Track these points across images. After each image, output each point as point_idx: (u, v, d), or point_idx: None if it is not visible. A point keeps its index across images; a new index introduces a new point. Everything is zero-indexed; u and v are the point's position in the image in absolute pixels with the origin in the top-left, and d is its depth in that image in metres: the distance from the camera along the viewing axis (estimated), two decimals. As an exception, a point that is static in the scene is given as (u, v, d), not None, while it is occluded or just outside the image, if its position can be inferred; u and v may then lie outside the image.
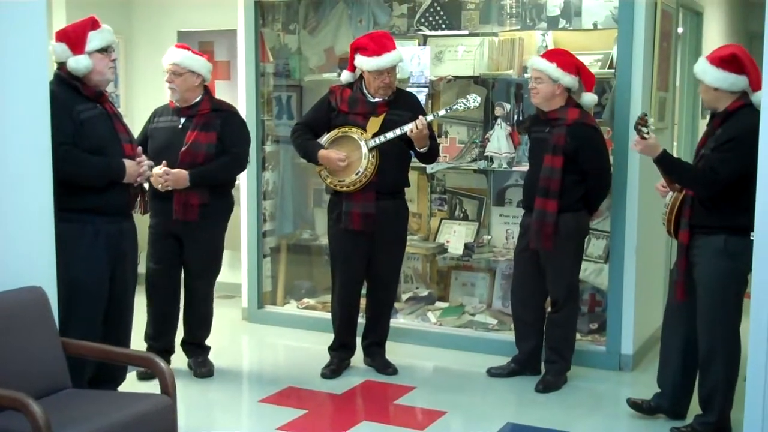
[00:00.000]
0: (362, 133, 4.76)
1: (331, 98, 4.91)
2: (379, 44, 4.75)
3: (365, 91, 4.83)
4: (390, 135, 4.72)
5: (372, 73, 4.76)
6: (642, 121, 3.99)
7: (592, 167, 4.66)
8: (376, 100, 4.81)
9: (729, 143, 3.88)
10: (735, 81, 3.93)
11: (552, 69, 4.60)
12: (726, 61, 3.95)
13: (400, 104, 4.84)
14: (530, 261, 4.82)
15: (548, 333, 4.88)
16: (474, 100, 4.82)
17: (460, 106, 4.85)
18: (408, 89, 5.88)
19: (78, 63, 3.98)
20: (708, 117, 4.25)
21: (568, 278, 4.79)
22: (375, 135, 4.74)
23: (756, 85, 3.90)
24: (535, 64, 4.70)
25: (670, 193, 4.16)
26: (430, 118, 4.84)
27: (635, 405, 4.38)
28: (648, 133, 3.98)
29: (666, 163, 4.03)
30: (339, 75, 5.82)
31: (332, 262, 5.05)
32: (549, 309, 4.93)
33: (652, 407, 4.34)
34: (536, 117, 4.89)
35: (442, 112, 5.04)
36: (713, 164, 3.88)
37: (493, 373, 5.03)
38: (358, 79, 4.89)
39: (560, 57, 4.67)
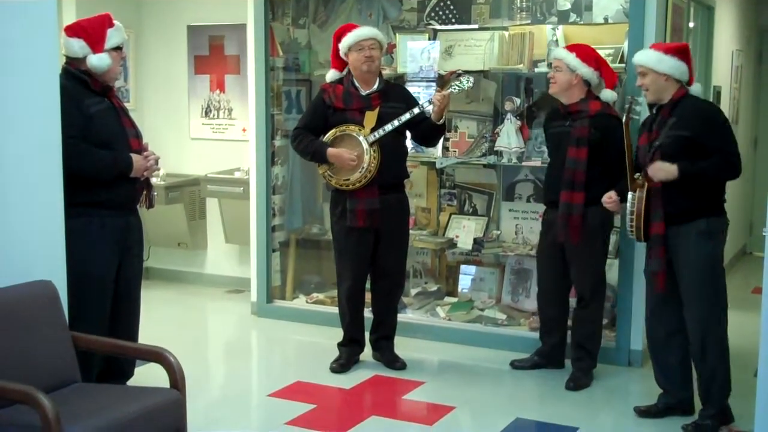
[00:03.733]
0: (360, 129, 4.76)
1: (324, 96, 4.90)
2: (357, 26, 4.88)
3: (357, 84, 4.83)
4: (389, 127, 4.72)
5: (354, 49, 4.77)
6: (631, 104, 4.13)
7: (617, 157, 4.49)
8: (369, 92, 4.82)
9: (715, 125, 4.03)
10: (685, 70, 4.14)
11: (570, 58, 4.63)
12: (680, 51, 4.16)
13: (392, 97, 4.87)
14: (555, 258, 4.79)
15: (575, 329, 4.86)
16: (467, 81, 4.86)
17: (455, 89, 4.87)
18: (417, 84, 5.89)
19: (101, 61, 4.01)
20: (651, 111, 4.27)
21: (595, 273, 4.76)
22: (373, 129, 4.74)
23: (692, 78, 4.20)
24: (555, 53, 4.77)
25: (629, 195, 4.15)
26: (426, 105, 4.82)
27: (645, 413, 4.35)
28: (638, 113, 4.13)
29: (689, 174, 3.99)
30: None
31: (337, 258, 5.04)
32: (574, 305, 4.90)
33: (660, 409, 4.33)
34: (555, 111, 4.88)
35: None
36: (722, 147, 3.98)
37: (517, 365, 5.04)
38: (347, 75, 4.88)
39: (580, 49, 4.72)
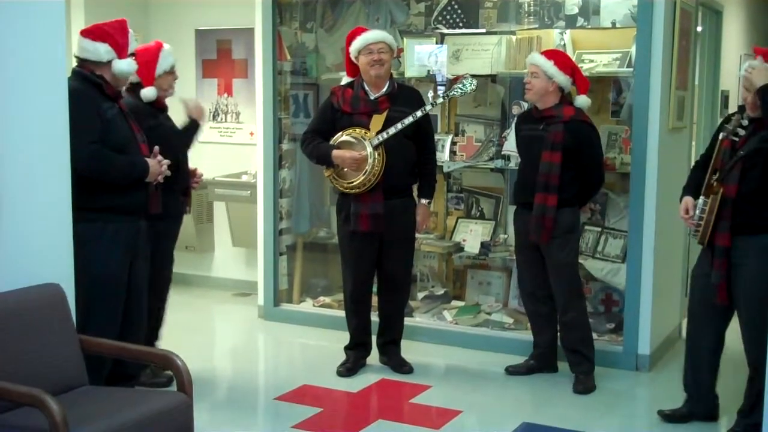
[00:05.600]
0: (366, 133, 4.75)
1: (333, 100, 4.90)
2: (367, 30, 4.88)
3: (366, 88, 4.83)
4: (392, 130, 4.70)
5: (363, 53, 4.77)
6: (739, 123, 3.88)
7: (589, 162, 4.72)
8: (378, 95, 4.81)
9: None
10: None
11: (549, 65, 4.66)
12: None
13: (402, 100, 4.83)
14: (532, 256, 4.84)
15: (563, 335, 4.87)
16: (470, 84, 4.82)
17: (457, 91, 4.86)
18: (425, 88, 5.89)
19: (130, 66, 4.06)
20: (733, 118, 4.04)
21: (569, 275, 4.78)
22: (378, 133, 4.74)
23: None
24: (532, 59, 4.77)
25: (701, 200, 4.03)
26: (428, 107, 4.80)
27: (668, 416, 4.32)
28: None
29: None
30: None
31: (342, 262, 5.05)
32: (558, 312, 4.91)
33: (684, 414, 4.30)
34: (527, 115, 4.94)
35: (440, 100, 4.98)
36: None
37: (511, 371, 5.03)
38: (358, 78, 4.88)
39: (557, 56, 4.76)
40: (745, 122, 3.92)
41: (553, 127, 4.65)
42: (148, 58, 4.53)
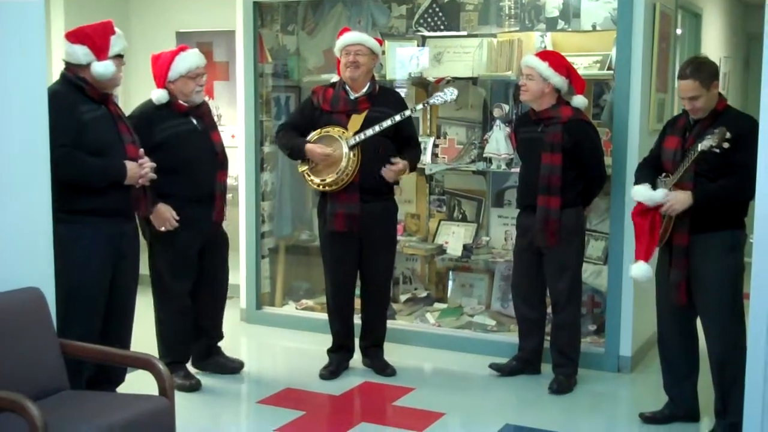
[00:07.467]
0: (343, 132, 4.75)
1: (313, 98, 4.93)
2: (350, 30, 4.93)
3: (347, 88, 4.84)
4: (369, 132, 4.71)
5: (342, 54, 4.81)
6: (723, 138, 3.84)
7: (591, 161, 4.71)
8: (357, 96, 4.82)
9: (748, 140, 3.67)
10: None
11: (543, 67, 4.64)
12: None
13: (382, 101, 4.85)
14: (531, 260, 4.83)
15: (554, 335, 4.88)
16: (451, 94, 4.85)
17: (438, 99, 4.88)
18: (407, 90, 5.90)
19: (107, 69, 4.01)
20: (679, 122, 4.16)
21: (571, 277, 4.78)
22: (356, 133, 4.74)
23: None
24: (527, 61, 4.76)
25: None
26: (407, 113, 4.81)
27: (649, 419, 4.34)
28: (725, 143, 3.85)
29: (705, 199, 3.93)
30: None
31: (324, 265, 5.05)
32: (550, 311, 4.93)
33: (666, 416, 4.32)
34: (525, 117, 4.94)
35: (419, 107, 5.02)
36: (747, 164, 3.64)
37: (495, 368, 5.03)
38: (340, 79, 4.90)
39: (552, 57, 4.74)
40: (728, 135, 3.84)
41: (551, 128, 4.64)
42: (160, 62, 4.59)
